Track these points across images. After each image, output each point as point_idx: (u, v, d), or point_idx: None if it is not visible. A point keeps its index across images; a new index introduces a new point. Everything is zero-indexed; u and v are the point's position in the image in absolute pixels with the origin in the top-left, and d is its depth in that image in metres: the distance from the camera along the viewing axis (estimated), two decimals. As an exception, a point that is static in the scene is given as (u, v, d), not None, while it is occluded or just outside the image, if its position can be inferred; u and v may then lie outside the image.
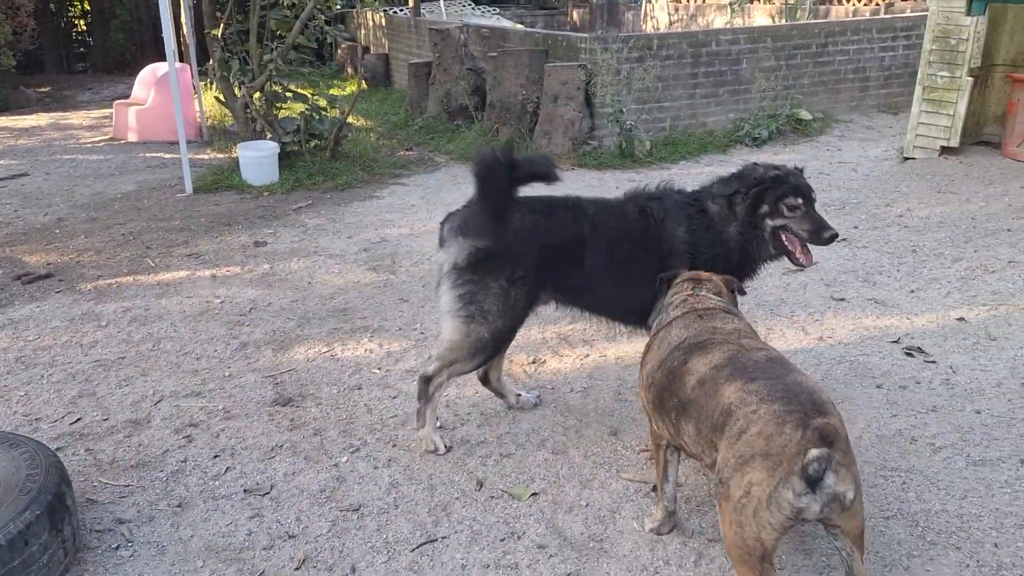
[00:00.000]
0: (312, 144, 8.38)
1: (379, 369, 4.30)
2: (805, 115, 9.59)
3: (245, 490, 3.32)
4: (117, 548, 2.98)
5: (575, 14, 18.83)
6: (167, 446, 3.64)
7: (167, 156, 9.57)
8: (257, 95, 8.17)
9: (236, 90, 8.09)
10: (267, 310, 5.10)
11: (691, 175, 8.15)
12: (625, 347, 4.41)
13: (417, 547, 2.95)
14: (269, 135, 8.20)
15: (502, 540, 2.97)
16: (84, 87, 17.61)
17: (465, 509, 3.15)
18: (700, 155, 8.82)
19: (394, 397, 4.01)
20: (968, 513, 3.01)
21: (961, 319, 4.66)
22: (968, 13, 7.33)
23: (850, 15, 12.06)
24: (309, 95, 8.33)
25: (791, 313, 4.84)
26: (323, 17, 8.83)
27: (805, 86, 9.81)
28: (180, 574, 2.85)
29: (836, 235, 3.52)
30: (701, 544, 2.90)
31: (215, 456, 3.56)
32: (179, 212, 7.20)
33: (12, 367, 4.41)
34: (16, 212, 7.30)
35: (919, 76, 7.83)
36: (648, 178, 7.76)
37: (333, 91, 15.28)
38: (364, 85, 15.26)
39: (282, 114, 8.60)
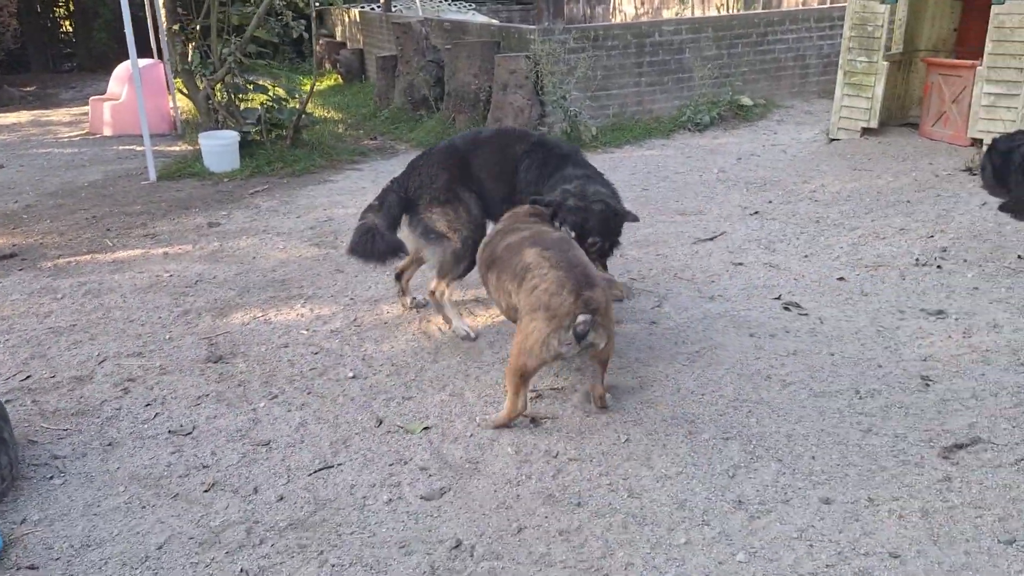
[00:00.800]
0: (273, 134, 8.78)
1: (307, 330, 4.72)
2: (746, 101, 10.02)
3: (170, 431, 3.73)
4: (51, 478, 3.40)
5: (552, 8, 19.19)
6: (105, 397, 4.06)
7: (139, 148, 9.91)
8: (219, 87, 8.56)
9: (198, 83, 8.47)
10: (211, 282, 5.51)
11: (633, 157, 8.59)
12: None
13: (314, 472, 3.37)
14: (231, 125, 8.60)
15: (390, 465, 3.39)
16: (68, 86, 17.93)
17: (363, 442, 3.57)
18: (644, 140, 9.25)
19: (316, 353, 4.43)
20: (797, 433, 3.44)
21: (841, 279, 5.10)
22: (883, 1, 7.74)
23: (799, 5, 12.48)
24: (269, 86, 8.72)
25: (692, 276, 5.27)
26: (290, 13, 9.21)
27: (746, 73, 10.24)
28: (104, 497, 3.26)
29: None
30: (561, 462, 3.32)
31: (147, 404, 3.98)
32: (141, 198, 7.61)
33: (-29, 335, 4.82)
34: (-14, 201, 7.71)
35: (840, 61, 8.25)
36: (592, 162, 8.19)
37: (305, 85, 15.75)
38: (340, 80, 15.73)
39: (245, 105, 8.99)
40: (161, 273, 5.68)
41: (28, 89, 17.23)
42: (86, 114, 12.62)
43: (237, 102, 8.82)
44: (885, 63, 7.96)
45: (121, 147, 10.25)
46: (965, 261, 5.24)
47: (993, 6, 6.98)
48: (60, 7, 22.28)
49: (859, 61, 8.09)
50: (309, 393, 4.02)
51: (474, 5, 19.32)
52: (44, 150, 10.27)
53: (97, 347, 4.61)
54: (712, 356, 4.17)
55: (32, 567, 2.88)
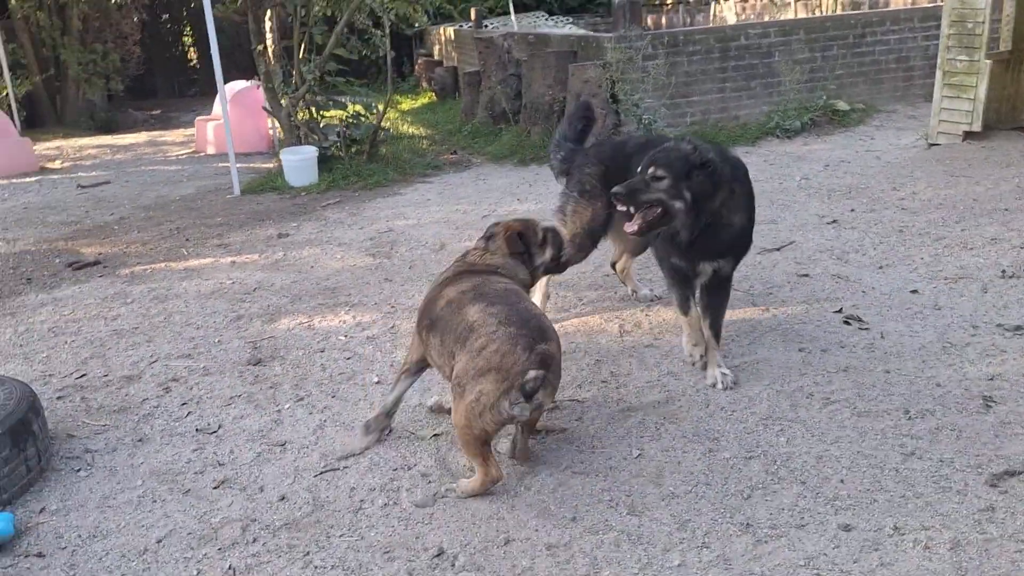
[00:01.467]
0: (353, 148, 8.99)
1: (345, 336, 4.74)
2: (842, 105, 9.51)
3: (197, 429, 3.81)
4: (79, 471, 3.52)
5: (650, 20, 19.02)
6: (147, 396, 4.19)
7: (241, 165, 10.40)
8: (300, 104, 8.85)
9: (281, 101, 8.79)
10: (269, 289, 5.64)
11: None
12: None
13: (319, 473, 3.35)
14: (312, 141, 8.86)
15: (394, 470, 3.33)
16: (189, 109, 19.05)
17: (373, 447, 3.53)
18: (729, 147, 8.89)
19: (348, 358, 4.44)
20: (829, 455, 3.16)
21: (915, 291, 4.70)
22: (984, -6, 7.20)
23: (908, 4, 11.78)
24: (348, 103, 8.95)
25: (749, 287, 4.99)
26: (379, 32, 9.43)
27: (842, 77, 9.73)
28: (121, 490, 3.35)
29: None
30: (564, 476, 3.17)
31: (183, 404, 4.08)
32: (223, 211, 7.92)
33: (44, 335, 5.10)
34: (87, 213, 8.21)
35: (939, 61, 7.70)
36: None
37: (404, 104, 16.15)
38: (434, 97, 16.04)
39: (326, 122, 9.25)
40: (224, 280, 5.87)
41: (153, 112, 18.40)
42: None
43: (318, 119, 9.08)
44: (988, 62, 7.37)
45: (220, 164, 10.72)
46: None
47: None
48: (187, 36, 23.81)
49: (959, 60, 7.53)
50: (333, 396, 4.02)
51: (571, 19, 19.35)
52: (151, 167, 10.90)
53: (152, 349, 4.79)
54: (753, 370, 3.91)
55: (40, 555, 2.97)
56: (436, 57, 18.36)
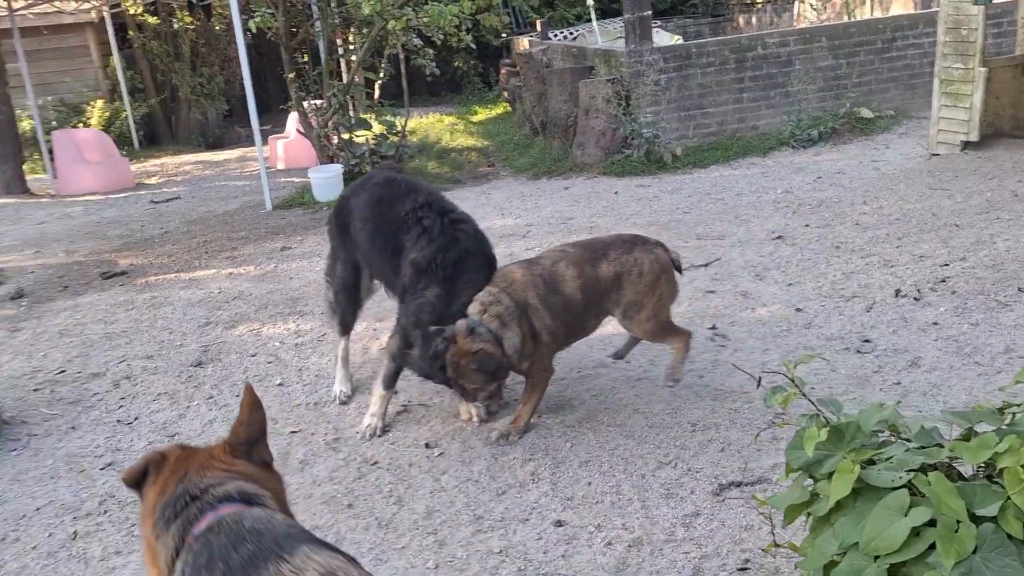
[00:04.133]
0: (380, 165, 9.71)
1: (279, 343, 5.38)
2: (866, 113, 9.32)
3: (118, 421, 4.53)
4: (13, 451, 4.30)
5: (741, 20, 18.85)
6: (99, 390, 4.97)
7: (297, 180, 11.38)
8: (330, 124, 9.66)
9: (312, 122, 9.62)
10: (246, 299, 6.37)
11: (704, 178, 8.41)
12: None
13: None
14: (341, 159, 9.64)
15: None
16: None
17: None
18: (736, 159, 8.98)
19: (269, 363, 5.06)
20: (595, 459, 3.47)
21: (799, 309, 4.81)
22: (975, 2, 6.97)
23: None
24: (374, 123, 9.68)
25: (651, 303, 5.24)
26: (430, 51, 10.13)
27: (871, 83, 9.54)
28: (34, 467, 4.09)
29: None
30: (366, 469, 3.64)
31: (121, 399, 4.82)
32: (249, 225, 8.81)
33: (53, 336, 6.03)
34: (141, 227, 9.32)
35: (935, 69, 7.51)
36: (665, 183, 8.22)
37: (480, 114, 16.86)
38: (508, 107, 16.63)
39: (359, 141, 10.02)
40: (214, 290, 6.66)
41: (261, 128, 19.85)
42: (277, 151, 14.57)
43: (351, 137, 9.84)
44: (983, 70, 7.14)
45: (282, 179, 11.74)
46: (954, 293, 4.72)
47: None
48: (303, 56, 25.52)
49: (955, 68, 7.33)
50: (237, 396, 4.64)
51: (659, 22, 19.39)
52: (222, 183, 12.07)
53: (126, 350, 5.59)
54: (582, 378, 4.22)
55: (-49, 514, 3.75)
56: (516, 67, 18.96)
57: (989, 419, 1.78)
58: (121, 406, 4.71)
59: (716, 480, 3.20)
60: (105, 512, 3.60)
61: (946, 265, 5.15)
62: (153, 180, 13.06)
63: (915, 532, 1.58)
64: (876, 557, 1.60)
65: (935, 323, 4.36)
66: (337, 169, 9.37)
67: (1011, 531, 1.53)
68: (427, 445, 3.79)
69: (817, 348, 4.28)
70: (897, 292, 4.85)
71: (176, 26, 17.31)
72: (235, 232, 8.58)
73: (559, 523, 3.06)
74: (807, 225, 6.41)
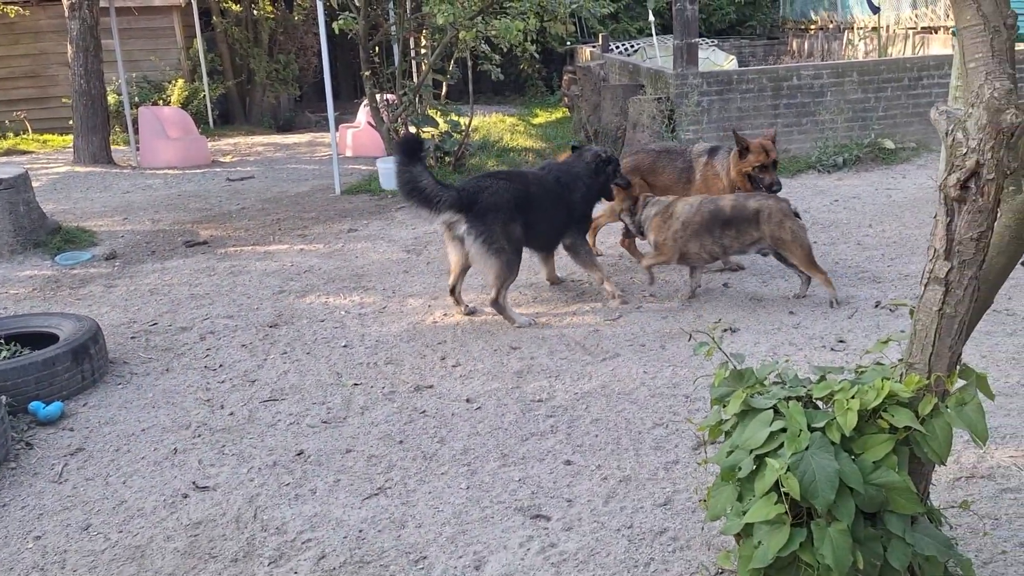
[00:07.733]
0: (445, 160, 10.39)
1: (346, 312, 6.06)
2: (889, 144, 9.76)
3: (206, 367, 5.25)
4: (119, 385, 5.04)
5: (794, 44, 19.15)
6: (188, 341, 5.70)
7: (364, 168, 12.13)
8: (399, 120, 10.36)
9: (383, 117, 10.33)
10: (316, 273, 7.07)
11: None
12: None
13: (264, 401, 4.66)
14: (406, 151, 10.33)
15: (314, 404, 4.57)
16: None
17: (315, 388, 4.79)
18: (776, 176, 9.42)
19: (335, 328, 5.74)
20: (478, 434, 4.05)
21: (730, 329, 5.27)
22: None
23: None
24: (440, 120, 10.35)
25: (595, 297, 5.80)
26: (496, 56, 10.79)
27: (896, 117, 9.97)
28: (137, 399, 4.82)
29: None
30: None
31: (207, 349, 5.54)
32: (319, 207, 9.55)
33: (144, 294, 6.81)
34: (220, 202, 10.14)
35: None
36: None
37: (541, 117, 17.49)
38: (567, 112, 17.24)
39: (425, 136, 10.70)
40: (287, 263, 7.38)
41: (326, 115, 20.77)
42: (348, 137, 15.35)
43: (418, 132, 10.52)
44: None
45: (349, 166, 12.50)
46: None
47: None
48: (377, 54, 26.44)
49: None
50: (308, 353, 5.33)
51: (716, 41, 19.77)
52: (294, 165, 12.87)
53: (209, 310, 6.33)
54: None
55: (71, 429, 4.48)
56: (577, 76, 19.55)
57: (835, 372, 2.61)
58: (207, 355, 5.43)
59: (697, 438, 3.78)
60: (199, 436, 4.30)
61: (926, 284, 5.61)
62: (227, 159, 13.89)
63: (773, 436, 2.38)
64: (752, 451, 2.40)
65: (903, 331, 4.83)
66: (401, 160, 10.05)
67: (832, 438, 2.32)
68: (468, 400, 4.43)
69: (800, 345, 4.84)
70: (877, 304, 5.41)
71: (257, 14, 18.24)
72: (306, 212, 9.32)
73: (568, 463, 3.67)
74: (815, 242, 6.86)
